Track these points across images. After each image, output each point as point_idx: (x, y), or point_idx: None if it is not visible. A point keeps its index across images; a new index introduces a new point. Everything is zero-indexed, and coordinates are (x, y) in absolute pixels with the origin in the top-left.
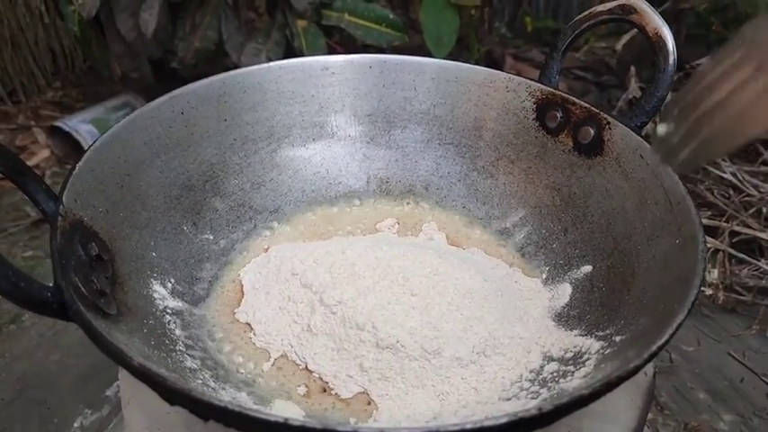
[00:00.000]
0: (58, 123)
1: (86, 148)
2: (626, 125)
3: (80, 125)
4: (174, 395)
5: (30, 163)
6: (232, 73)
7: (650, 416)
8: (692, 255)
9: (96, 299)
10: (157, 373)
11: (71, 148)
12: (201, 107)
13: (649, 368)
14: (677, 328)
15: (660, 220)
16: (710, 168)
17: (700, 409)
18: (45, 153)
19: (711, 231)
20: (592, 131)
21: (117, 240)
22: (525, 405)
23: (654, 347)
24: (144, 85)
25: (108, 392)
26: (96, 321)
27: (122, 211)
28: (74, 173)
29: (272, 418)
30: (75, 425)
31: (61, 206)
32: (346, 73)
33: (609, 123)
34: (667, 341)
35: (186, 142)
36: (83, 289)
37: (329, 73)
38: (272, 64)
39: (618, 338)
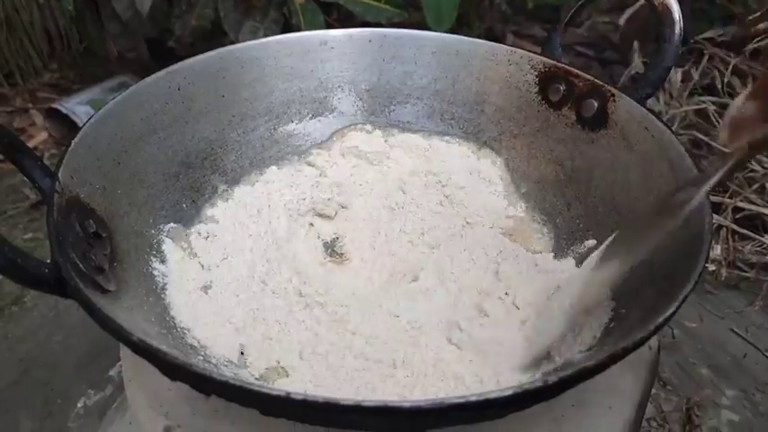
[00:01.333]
0: (56, 105)
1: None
2: (631, 97)
3: (77, 107)
4: (175, 370)
5: (28, 145)
6: (230, 48)
7: (653, 391)
8: (697, 228)
9: (95, 275)
10: (158, 349)
11: (68, 129)
12: (199, 83)
13: (654, 342)
14: (683, 301)
15: (665, 194)
16: (714, 144)
17: (702, 384)
18: (43, 135)
19: (715, 207)
20: (595, 104)
21: (115, 218)
22: (531, 377)
23: (660, 319)
24: (140, 65)
25: (111, 372)
26: (95, 298)
27: (120, 188)
28: (70, 149)
29: (275, 392)
30: (79, 405)
31: (57, 183)
32: (345, 48)
33: (613, 96)
34: (673, 313)
35: (184, 118)
36: (81, 265)
37: (328, 48)
38: (269, 39)
39: (623, 311)
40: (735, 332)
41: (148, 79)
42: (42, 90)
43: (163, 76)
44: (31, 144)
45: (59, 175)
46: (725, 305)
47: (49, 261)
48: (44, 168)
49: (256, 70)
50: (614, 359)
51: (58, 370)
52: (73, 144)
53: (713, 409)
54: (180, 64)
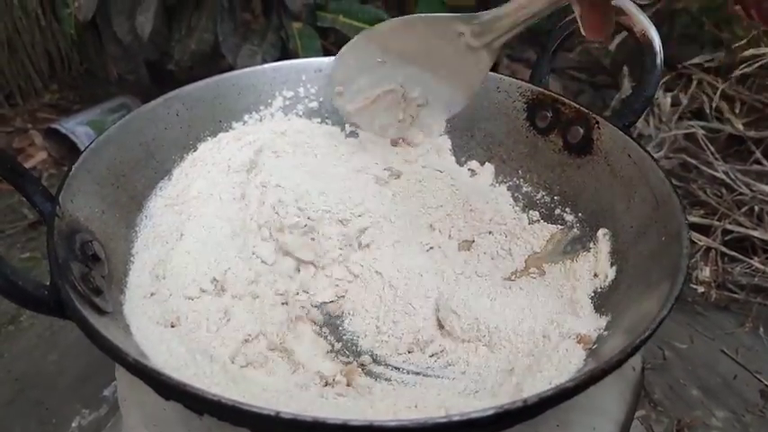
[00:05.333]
0: (55, 125)
1: (83, 149)
2: (614, 125)
3: (77, 127)
4: (169, 390)
5: (27, 165)
6: (226, 75)
7: (643, 412)
8: (676, 252)
9: (93, 297)
10: (153, 369)
11: (68, 150)
12: (196, 108)
13: (638, 363)
14: (659, 324)
15: (647, 218)
16: (703, 167)
17: (693, 405)
18: (42, 155)
19: (704, 230)
20: (581, 131)
21: (113, 240)
22: None
23: (637, 341)
24: (140, 86)
25: (105, 392)
26: (93, 319)
27: (118, 212)
28: (70, 174)
29: (264, 412)
30: (74, 425)
31: (57, 207)
32: None
33: (598, 123)
34: (650, 336)
35: (182, 143)
36: (80, 287)
37: (323, 74)
38: (266, 66)
39: (605, 333)
40: (725, 353)
41: (148, 105)
42: (42, 110)
43: (162, 103)
44: (30, 164)
45: (60, 198)
46: (715, 326)
47: (48, 283)
48: (45, 192)
49: (252, 96)
50: (593, 380)
51: (53, 389)
52: (73, 169)
53: (703, 430)
54: (178, 90)
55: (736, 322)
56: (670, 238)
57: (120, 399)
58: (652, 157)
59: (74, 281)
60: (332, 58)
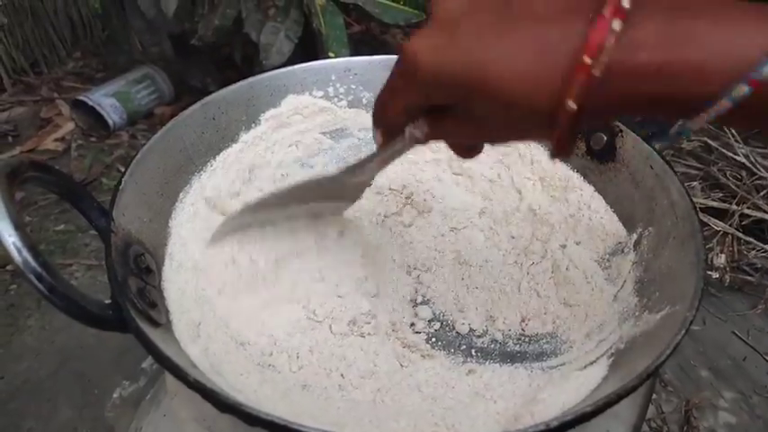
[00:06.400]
0: (82, 97)
1: (110, 122)
2: (638, 134)
3: (103, 99)
4: (226, 407)
5: (56, 136)
6: (259, 77)
7: (653, 395)
8: (693, 271)
9: (149, 310)
10: (212, 389)
11: (94, 120)
12: (230, 111)
13: None
14: (674, 348)
15: (665, 233)
16: (724, 150)
17: (702, 386)
18: (70, 126)
19: (721, 214)
20: (604, 138)
21: (162, 247)
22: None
23: (652, 366)
24: (163, 56)
25: (144, 365)
26: (152, 334)
27: (163, 219)
28: (120, 188)
29: (312, 431)
30: (115, 395)
31: (112, 222)
32: (368, 73)
33: (621, 131)
34: (664, 361)
35: (218, 146)
36: (138, 304)
37: (352, 74)
38: (296, 67)
39: (622, 346)
40: (736, 335)
41: (186, 112)
42: (67, 79)
43: (198, 108)
44: (58, 134)
45: (113, 213)
46: (728, 308)
47: (109, 301)
48: (100, 209)
49: (283, 96)
50: (609, 405)
51: (94, 361)
52: (122, 182)
53: (711, 410)
54: (214, 95)
55: (749, 304)
56: (687, 258)
57: (169, 392)
58: (673, 170)
59: (132, 298)
60: (360, 58)
